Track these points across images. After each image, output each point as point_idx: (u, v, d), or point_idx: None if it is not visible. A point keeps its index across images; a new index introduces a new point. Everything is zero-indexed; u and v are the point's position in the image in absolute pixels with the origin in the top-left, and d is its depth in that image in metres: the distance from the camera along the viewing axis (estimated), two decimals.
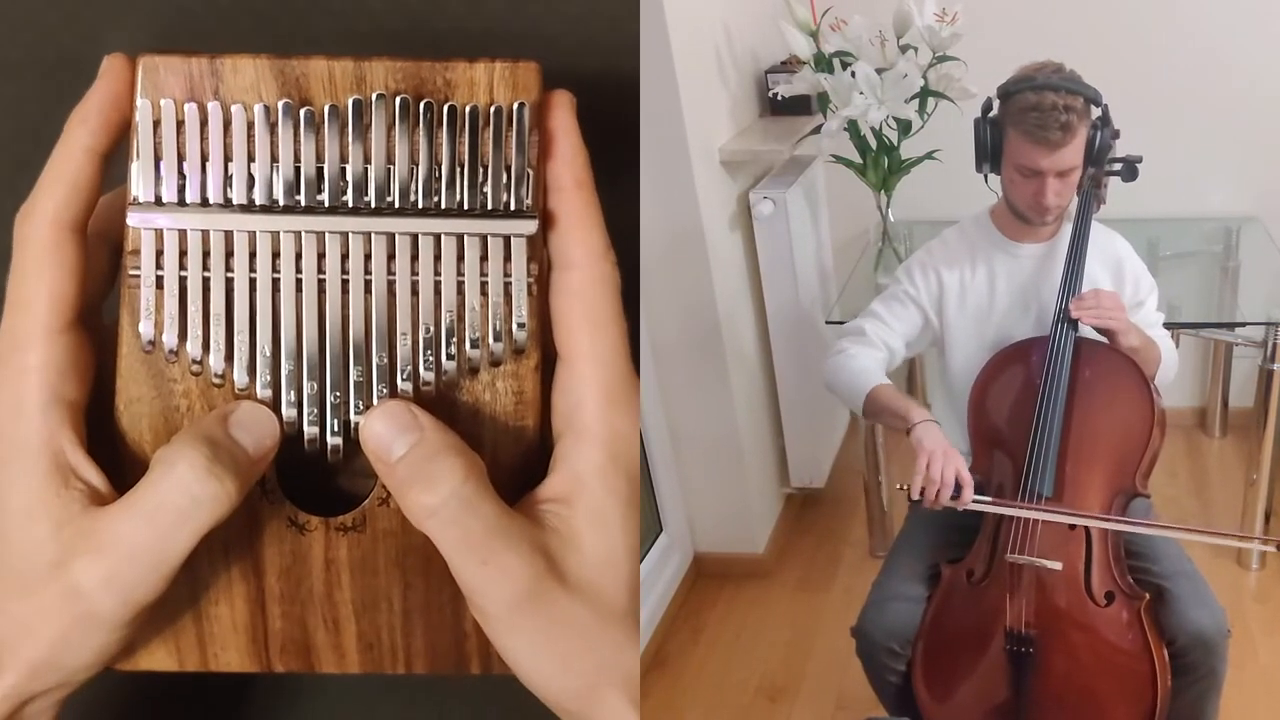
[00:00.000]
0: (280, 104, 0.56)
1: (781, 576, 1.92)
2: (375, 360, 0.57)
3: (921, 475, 1.11)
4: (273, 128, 0.56)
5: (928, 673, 1.18)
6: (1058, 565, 1.12)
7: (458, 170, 0.57)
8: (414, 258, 0.57)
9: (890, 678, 1.21)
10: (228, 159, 0.56)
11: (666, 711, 1.62)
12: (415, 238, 0.57)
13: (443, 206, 0.57)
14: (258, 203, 0.56)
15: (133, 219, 0.56)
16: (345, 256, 0.57)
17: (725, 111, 1.78)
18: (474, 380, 0.58)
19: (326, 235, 0.56)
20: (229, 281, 0.56)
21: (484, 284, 0.58)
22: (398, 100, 0.56)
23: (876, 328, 1.29)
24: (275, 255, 0.56)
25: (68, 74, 0.66)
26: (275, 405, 0.57)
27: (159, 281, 0.56)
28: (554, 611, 0.56)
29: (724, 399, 1.77)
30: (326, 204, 0.57)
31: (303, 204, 0.56)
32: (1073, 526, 1.14)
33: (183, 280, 0.56)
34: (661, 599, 1.80)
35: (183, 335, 0.57)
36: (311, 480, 0.59)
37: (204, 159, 0.56)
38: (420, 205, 0.57)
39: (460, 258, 0.57)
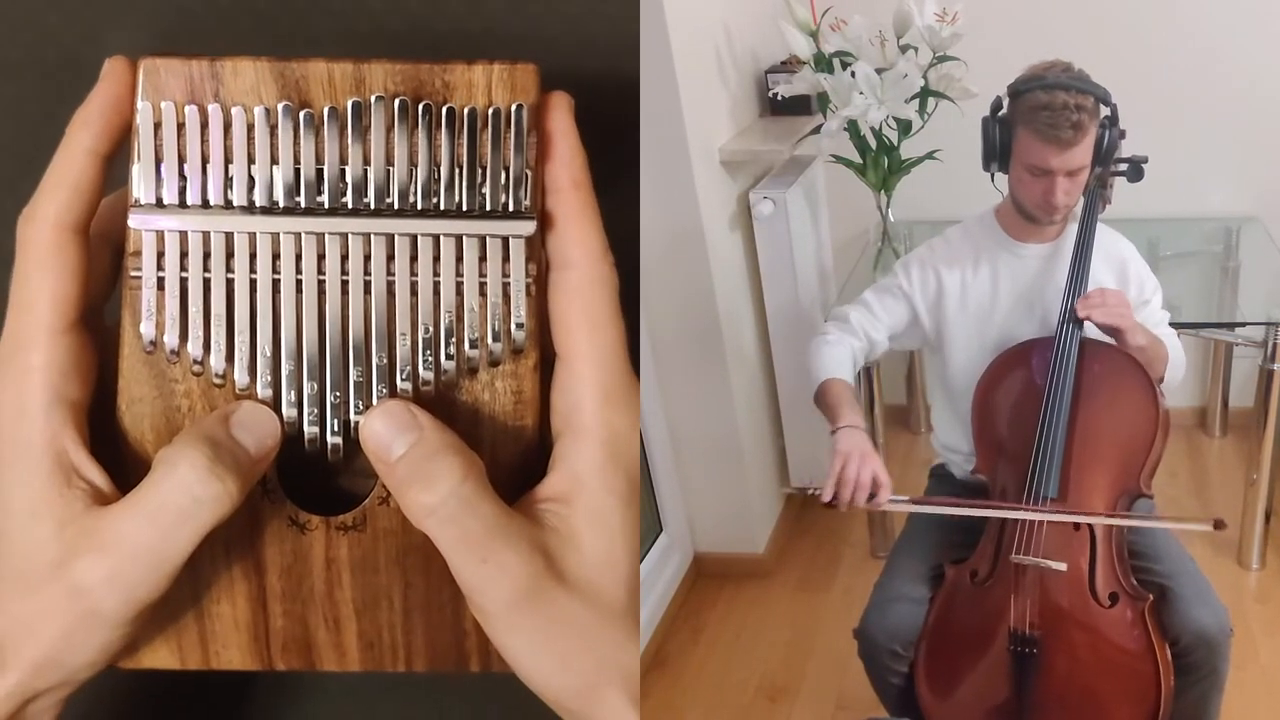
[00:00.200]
0: (280, 106, 0.56)
1: (781, 576, 1.92)
2: (375, 360, 0.57)
3: (834, 476, 1.09)
4: (273, 130, 0.56)
5: (930, 673, 1.18)
6: (1062, 566, 1.12)
7: (456, 171, 0.57)
8: (413, 258, 0.57)
9: (892, 679, 1.21)
10: (228, 161, 0.56)
11: (666, 711, 1.63)
12: (414, 239, 0.57)
13: (441, 208, 0.57)
14: (258, 204, 0.57)
15: (134, 221, 0.56)
16: (345, 257, 0.57)
17: (725, 111, 1.78)
18: (473, 380, 0.59)
19: (326, 236, 0.57)
20: (229, 282, 0.57)
21: (483, 284, 0.58)
22: (397, 102, 0.56)
23: (861, 316, 1.29)
24: (275, 256, 0.57)
25: (68, 75, 0.67)
26: (276, 405, 0.57)
27: (160, 283, 0.57)
28: (553, 610, 0.56)
29: (724, 399, 1.77)
30: (326, 205, 0.57)
31: (303, 205, 0.57)
32: (1076, 527, 1.14)
33: (184, 281, 0.57)
34: (661, 599, 1.80)
35: (184, 336, 0.57)
36: (312, 480, 0.59)
37: (204, 161, 0.56)
38: (419, 206, 0.57)
39: (459, 258, 0.58)
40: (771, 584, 1.90)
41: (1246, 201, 2.06)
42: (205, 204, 0.56)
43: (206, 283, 0.57)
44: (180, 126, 0.56)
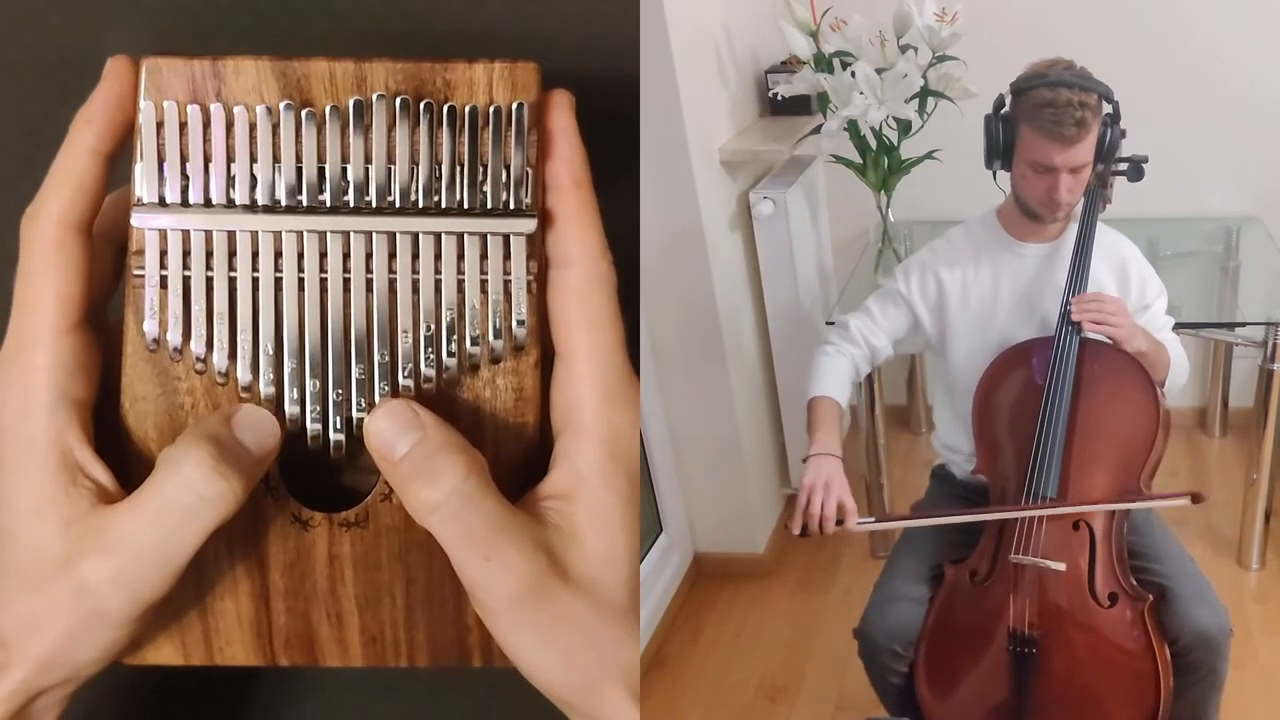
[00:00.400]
0: (282, 105, 0.56)
1: (781, 576, 1.92)
2: (377, 358, 0.58)
3: (801, 510, 1.12)
4: (274, 128, 0.56)
5: (930, 673, 1.19)
6: (1061, 566, 1.12)
7: (457, 170, 0.58)
8: (414, 256, 0.58)
9: (893, 679, 1.21)
10: (230, 160, 0.57)
11: (666, 711, 1.63)
12: (416, 237, 0.57)
13: (443, 206, 0.58)
14: (260, 203, 0.57)
15: (136, 220, 0.57)
16: (346, 256, 0.57)
17: (725, 111, 1.78)
18: (474, 377, 0.59)
19: (328, 235, 0.57)
20: (232, 281, 0.57)
21: (484, 282, 0.58)
22: (398, 101, 0.57)
23: (862, 324, 1.30)
24: (278, 255, 0.57)
25: (69, 74, 0.67)
26: (278, 403, 0.57)
27: (163, 281, 0.57)
28: (555, 607, 0.56)
29: (724, 399, 1.77)
30: (328, 204, 0.57)
31: (304, 204, 0.57)
32: (1076, 527, 1.14)
33: (186, 280, 0.57)
34: (661, 599, 1.80)
35: (186, 334, 0.57)
36: (315, 477, 0.59)
37: (207, 160, 0.57)
38: (420, 205, 0.57)
39: (460, 256, 0.58)
40: (771, 584, 1.90)
41: (1246, 201, 2.07)
42: (208, 203, 0.57)
43: (209, 281, 0.57)
44: (182, 126, 0.56)
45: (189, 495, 0.54)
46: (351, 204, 0.57)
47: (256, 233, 0.57)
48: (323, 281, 0.57)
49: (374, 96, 0.57)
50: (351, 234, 0.57)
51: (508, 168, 0.58)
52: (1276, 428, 1.72)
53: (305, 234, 0.57)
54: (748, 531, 1.91)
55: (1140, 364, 1.18)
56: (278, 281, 0.57)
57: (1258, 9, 1.96)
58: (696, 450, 1.83)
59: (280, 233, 0.57)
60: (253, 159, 0.57)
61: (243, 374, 0.57)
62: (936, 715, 1.19)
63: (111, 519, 0.54)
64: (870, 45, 1.64)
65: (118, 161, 0.57)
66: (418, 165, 0.57)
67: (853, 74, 1.61)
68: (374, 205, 0.57)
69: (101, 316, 0.59)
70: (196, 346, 0.57)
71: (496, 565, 0.55)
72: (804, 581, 1.91)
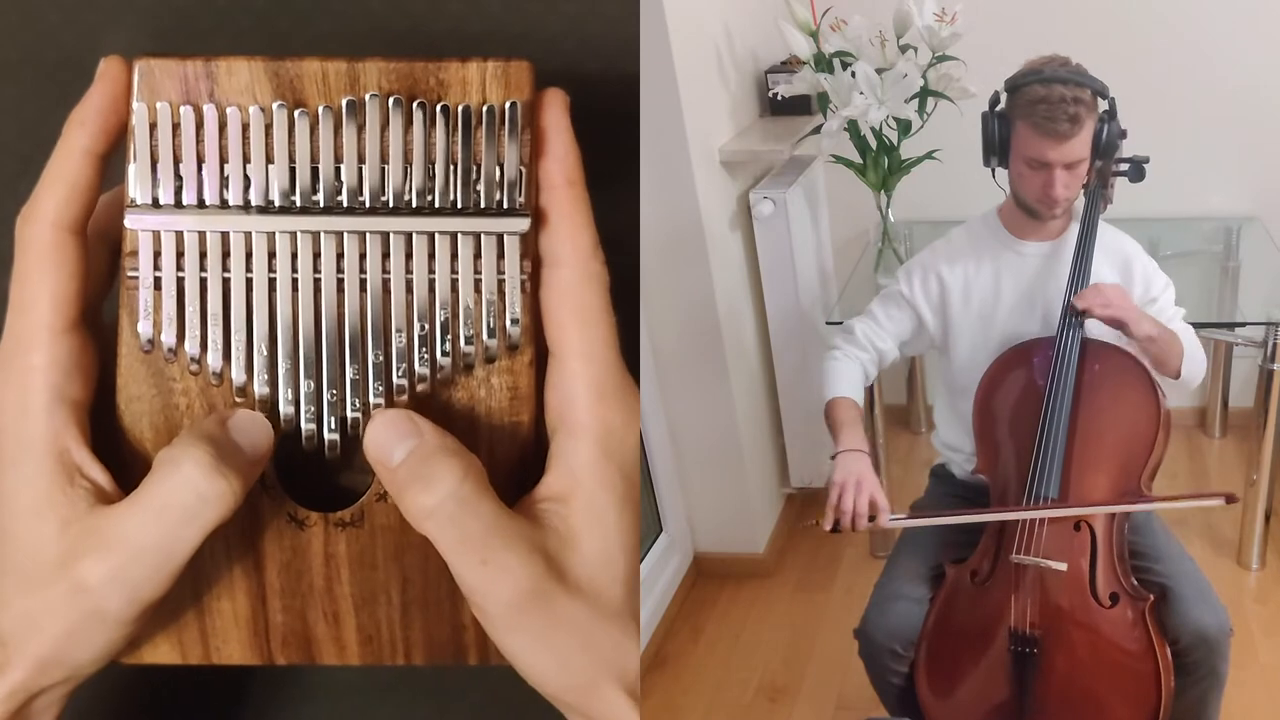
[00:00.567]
0: (275, 105, 0.56)
1: (781, 576, 1.92)
2: (371, 358, 0.58)
3: (832, 505, 1.12)
4: (268, 129, 0.56)
5: (931, 673, 1.19)
6: (1062, 566, 1.12)
7: (451, 169, 0.57)
8: (408, 256, 0.58)
9: (893, 679, 1.21)
10: (223, 161, 0.57)
11: (666, 711, 1.63)
12: (409, 236, 0.57)
13: (436, 205, 0.58)
14: (254, 204, 0.57)
15: (130, 221, 0.57)
16: (340, 256, 0.57)
17: (725, 111, 1.78)
18: (469, 376, 0.59)
19: (322, 235, 0.57)
20: (226, 282, 0.57)
21: (478, 281, 0.58)
22: (391, 100, 0.57)
23: (867, 328, 1.30)
24: (271, 255, 0.57)
25: (67, 74, 0.67)
26: (273, 403, 0.57)
27: (157, 282, 0.57)
28: (553, 611, 0.56)
29: (724, 399, 1.77)
30: (322, 204, 0.57)
31: (298, 204, 0.57)
32: (1077, 527, 1.14)
33: (180, 281, 0.57)
34: (661, 599, 1.80)
35: (181, 335, 0.57)
36: (310, 477, 0.59)
37: (200, 161, 0.57)
38: (414, 204, 0.57)
39: (454, 256, 0.58)
40: (771, 584, 1.90)
41: (1246, 201, 2.07)
42: (201, 204, 0.57)
43: (203, 282, 0.57)
44: (175, 127, 0.56)
45: (189, 495, 0.54)
46: (345, 204, 0.57)
47: (250, 233, 0.57)
48: (316, 282, 0.57)
49: (367, 96, 0.57)
50: (345, 234, 0.57)
51: (501, 167, 0.58)
52: (1276, 428, 1.72)
53: (299, 234, 0.57)
54: (748, 531, 1.91)
55: (1141, 365, 1.17)
56: (271, 282, 0.57)
57: (1257, 9, 1.97)
58: (696, 450, 1.83)
59: (274, 233, 0.57)
60: (246, 159, 0.57)
61: (237, 374, 0.57)
62: (937, 715, 1.19)
63: (110, 519, 0.54)
64: (870, 45, 1.64)
65: (112, 162, 0.57)
66: (411, 165, 0.57)
67: (853, 74, 1.61)
68: (368, 205, 0.57)
69: (97, 317, 0.59)
70: (191, 347, 0.57)
71: (494, 570, 0.55)
72: (804, 581, 1.91)
